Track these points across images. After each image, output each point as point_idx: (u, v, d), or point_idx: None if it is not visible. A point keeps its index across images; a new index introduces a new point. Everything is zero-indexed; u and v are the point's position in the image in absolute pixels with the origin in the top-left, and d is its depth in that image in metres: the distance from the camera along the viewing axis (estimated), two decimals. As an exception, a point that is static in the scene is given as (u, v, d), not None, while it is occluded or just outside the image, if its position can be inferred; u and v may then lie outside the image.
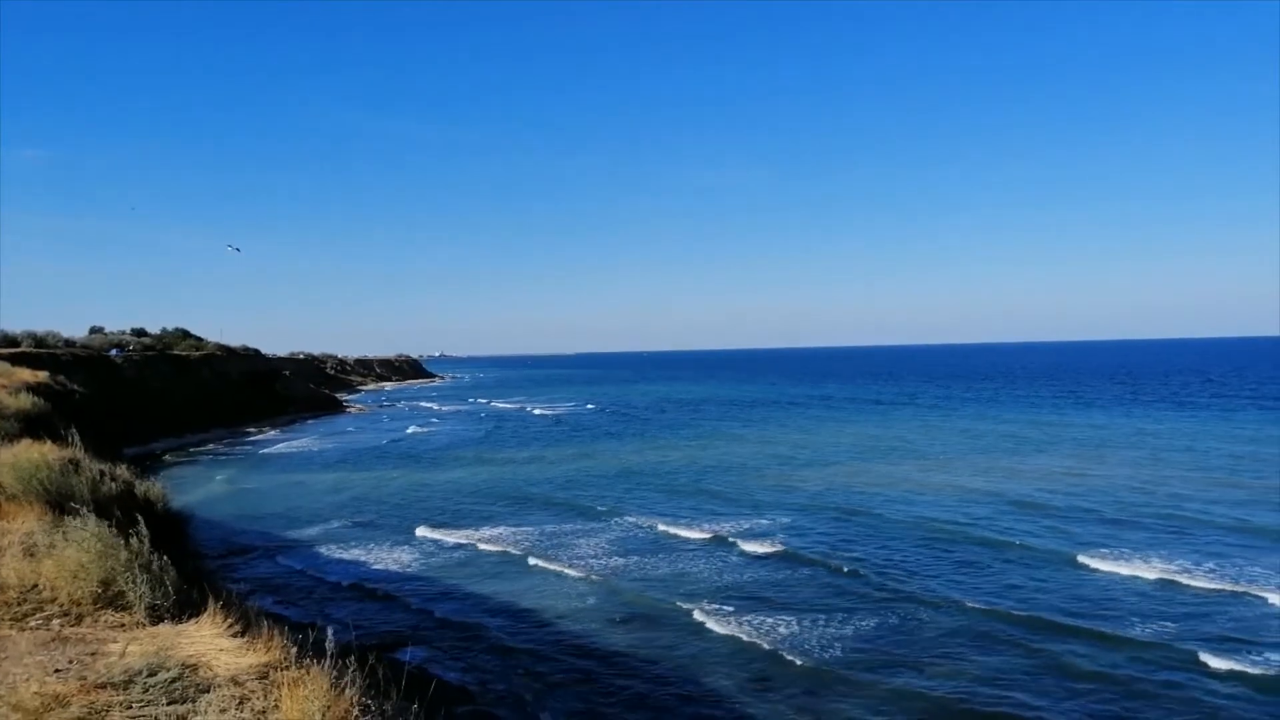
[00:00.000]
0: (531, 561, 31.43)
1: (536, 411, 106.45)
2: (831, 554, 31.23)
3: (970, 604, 25.21)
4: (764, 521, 37.05)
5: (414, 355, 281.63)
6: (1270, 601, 24.49)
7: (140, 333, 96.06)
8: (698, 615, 24.71)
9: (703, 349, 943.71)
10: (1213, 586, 26.16)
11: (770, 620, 24.18)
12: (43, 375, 36.05)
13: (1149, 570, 27.86)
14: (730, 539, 33.90)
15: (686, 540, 34.51)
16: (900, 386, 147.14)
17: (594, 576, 29.23)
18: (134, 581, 6.97)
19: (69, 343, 75.66)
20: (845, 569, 29.20)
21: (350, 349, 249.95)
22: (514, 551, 33.19)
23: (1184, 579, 26.88)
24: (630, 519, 38.45)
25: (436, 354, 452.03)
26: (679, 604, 25.85)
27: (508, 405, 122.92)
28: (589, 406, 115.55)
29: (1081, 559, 29.35)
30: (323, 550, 34.71)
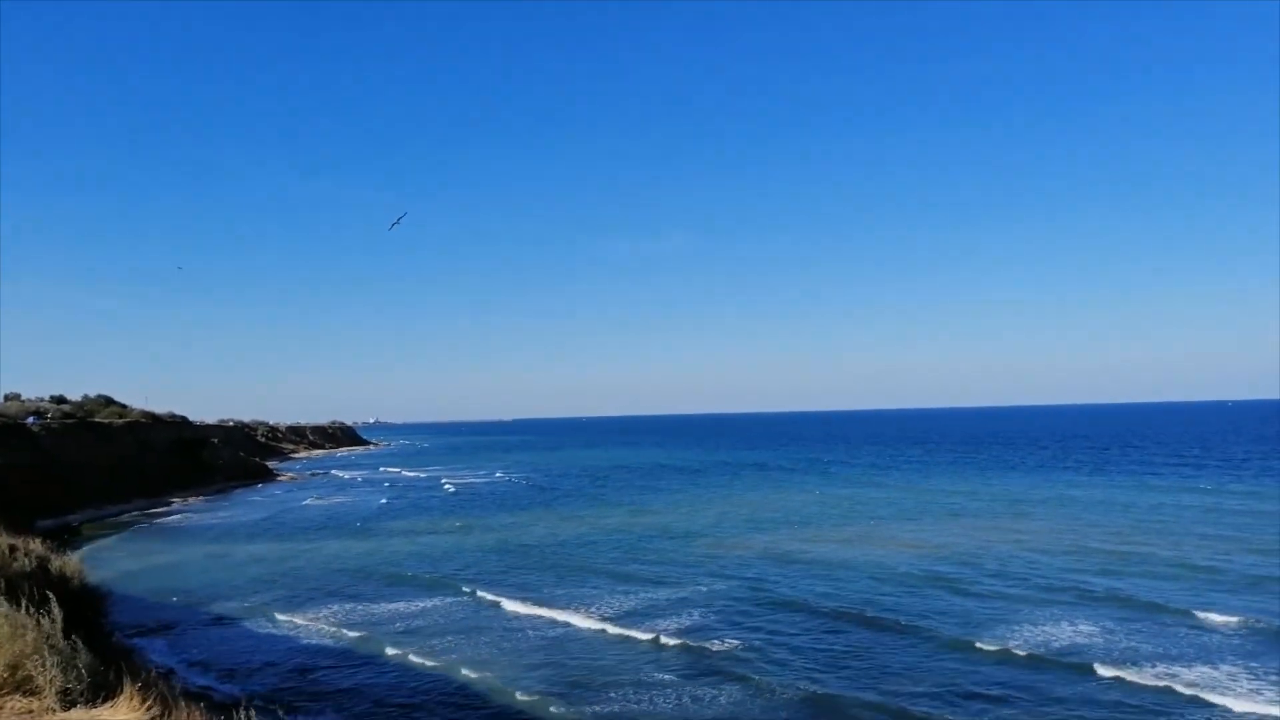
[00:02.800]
0: (390, 650, 29.04)
1: (445, 483, 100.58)
2: (716, 635, 29.46)
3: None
4: (649, 598, 35.37)
5: (349, 422, 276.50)
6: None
7: (60, 399, 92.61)
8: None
9: (651, 413, 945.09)
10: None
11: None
12: (-48, 444, 34.35)
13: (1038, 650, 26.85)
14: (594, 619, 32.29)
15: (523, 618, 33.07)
16: (809, 451, 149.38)
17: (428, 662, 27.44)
18: (44, 665, 6.52)
19: (-18, 410, 72.47)
20: (719, 649, 27.83)
21: (284, 416, 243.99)
22: (374, 636, 31.05)
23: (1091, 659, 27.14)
24: (481, 594, 36.98)
25: (372, 420, 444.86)
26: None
27: (418, 474, 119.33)
28: (499, 475, 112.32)
29: (977, 641, 27.65)
30: (249, 624, 33.47)
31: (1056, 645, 27.06)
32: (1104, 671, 24.17)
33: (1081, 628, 28.92)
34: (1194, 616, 29.73)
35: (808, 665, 25.95)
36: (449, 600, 36.47)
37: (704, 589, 36.87)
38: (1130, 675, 23.78)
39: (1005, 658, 25.96)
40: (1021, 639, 27.77)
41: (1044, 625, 29.40)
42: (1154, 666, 24.57)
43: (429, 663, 27.29)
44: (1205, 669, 24.24)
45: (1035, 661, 25.52)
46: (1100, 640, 27.43)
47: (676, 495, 79.09)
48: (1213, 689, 22.58)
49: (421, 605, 35.63)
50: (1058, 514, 57.77)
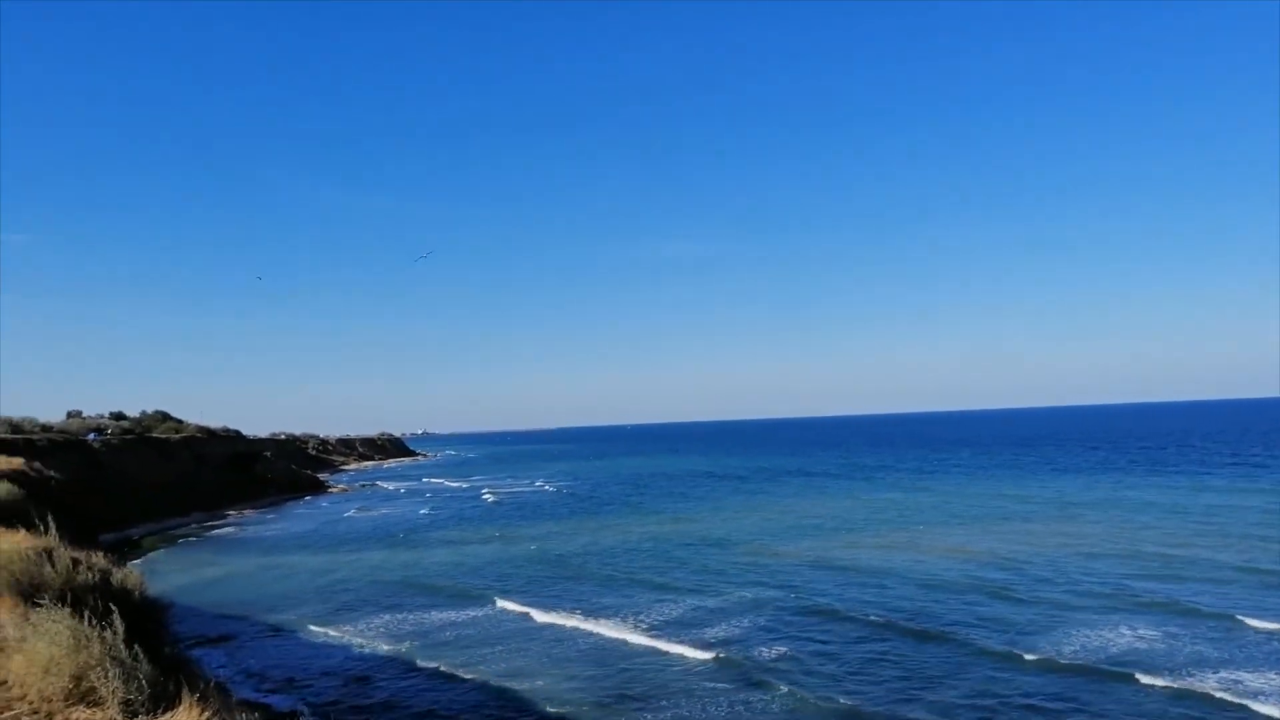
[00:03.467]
0: (437, 662, 29.38)
1: (486, 493, 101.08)
2: (760, 644, 29.41)
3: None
4: (691, 607, 35.16)
5: (397, 433, 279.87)
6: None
7: (119, 416, 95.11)
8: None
9: (695, 420, 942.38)
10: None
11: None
12: (18, 462, 35.58)
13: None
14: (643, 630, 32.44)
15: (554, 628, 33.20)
16: (853, 455, 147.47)
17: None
18: (107, 676, 6.78)
19: (46, 428, 74.69)
20: (763, 659, 28.10)
21: (333, 428, 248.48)
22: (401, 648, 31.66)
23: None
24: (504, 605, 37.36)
25: (419, 431, 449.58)
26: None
27: (460, 484, 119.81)
28: (540, 484, 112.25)
29: (1026, 651, 26.95)
30: (302, 635, 34.10)
31: (1108, 654, 26.50)
32: (1156, 681, 23.60)
33: (1136, 635, 28.30)
34: (1253, 624, 28.88)
35: (852, 675, 25.73)
36: (491, 611, 36.79)
37: (748, 596, 36.78)
38: (1185, 685, 23.23)
39: (1054, 667, 25.44)
40: (1072, 647, 27.27)
41: (1096, 632, 28.82)
42: (1213, 674, 23.97)
43: (475, 674, 27.56)
44: (1272, 676, 23.57)
45: (1084, 671, 24.98)
46: (1155, 648, 26.80)
47: (719, 502, 78.82)
48: (1275, 700, 21.94)
49: (466, 615, 36.05)
50: (1111, 517, 56.50)
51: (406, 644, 31.76)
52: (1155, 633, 28.39)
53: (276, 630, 35.21)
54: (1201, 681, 23.41)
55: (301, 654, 31.43)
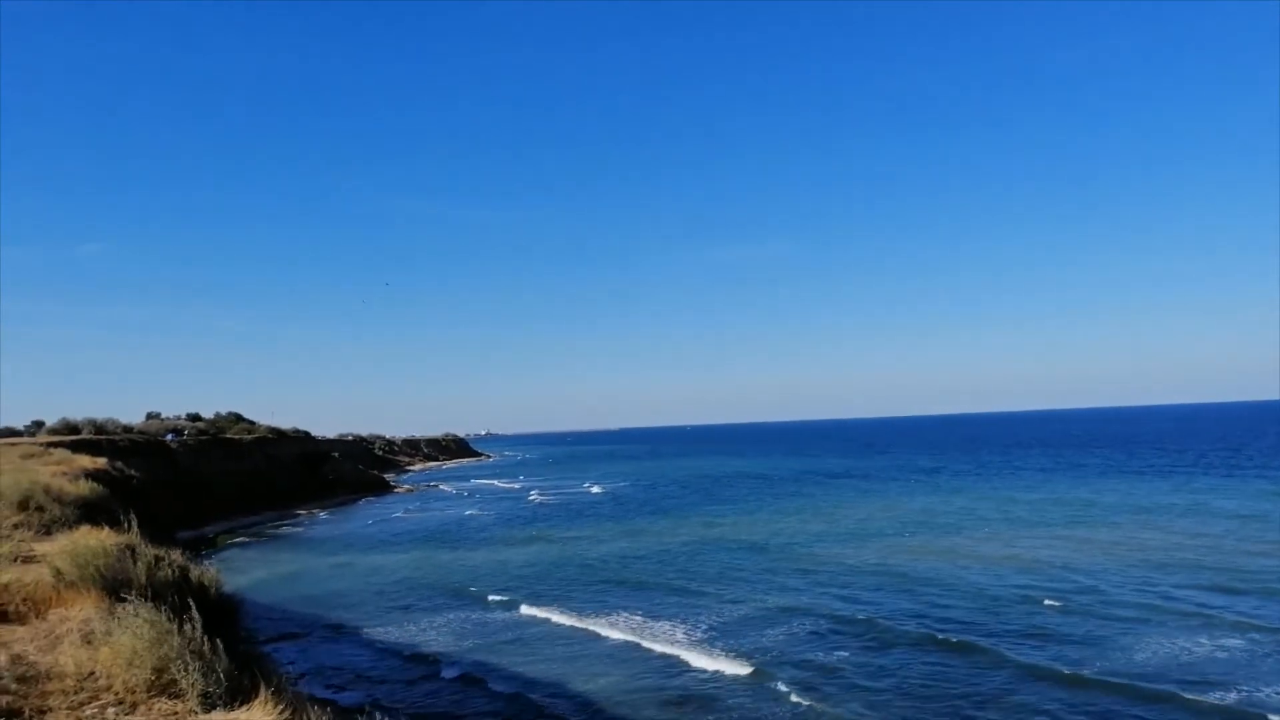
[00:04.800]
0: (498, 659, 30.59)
1: (534, 494, 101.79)
2: (807, 655, 29.61)
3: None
4: (733, 615, 34.77)
5: (461, 434, 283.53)
6: None
7: (195, 417, 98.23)
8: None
9: (756, 421, 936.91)
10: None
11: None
12: (101, 461, 36.93)
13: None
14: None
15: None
16: (916, 457, 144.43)
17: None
18: (187, 669, 7.00)
19: (127, 429, 77.63)
20: (811, 669, 27.94)
21: (399, 429, 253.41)
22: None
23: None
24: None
25: (483, 432, 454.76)
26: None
27: (514, 485, 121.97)
28: (587, 486, 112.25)
29: (1085, 670, 26.77)
30: (369, 632, 34.81)
31: (1174, 673, 25.51)
32: (1222, 700, 22.66)
33: (1208, 652, 27.26)
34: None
35: (903, 696, 25.22)
36: (518, 615, 36.86)
37: (787, 604, 36.40)
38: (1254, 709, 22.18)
39: (1115, 689, 24.22)
40: (1137, 664, 26.40)
41: (1167, 647, 27.84)
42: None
43: (534, 674, 27.88)
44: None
45: (1144, 692, 23.95)
46: (1225, 666, 25.78)
47: (773, 506, 78.04)
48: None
49: (525, 615, 36.52)
50: (1187, 524, 54.41)
51: (471, 642, 32.31)
52: (1227, 651, 27.31)
53: (343, 628, 36.04)
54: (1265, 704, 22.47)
55: (368, 651, 32.16)
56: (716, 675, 27.13)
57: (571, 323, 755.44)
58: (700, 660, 28.54)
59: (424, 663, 30.08)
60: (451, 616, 37.14)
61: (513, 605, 38.73)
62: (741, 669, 27.25)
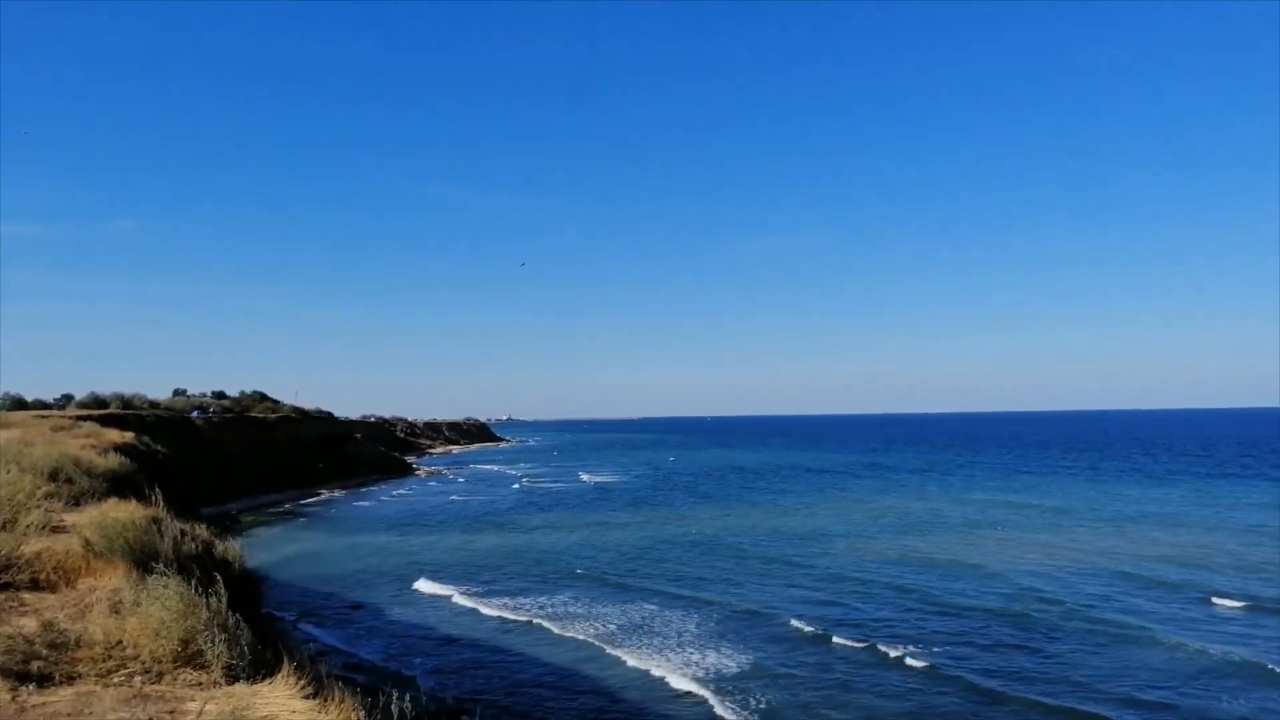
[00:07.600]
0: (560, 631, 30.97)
1: (544, 483, 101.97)
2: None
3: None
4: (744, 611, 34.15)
5: (482, 418, 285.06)
6: None
7: (220, 395, 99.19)
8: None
9: (777, 414, 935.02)
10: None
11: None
12: (129, 436, 37.35)
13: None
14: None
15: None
16: (955, 454, 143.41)
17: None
18: (212, 641, 7.12)
19: (154, 405, 78.52)
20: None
21: (421, 411, 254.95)
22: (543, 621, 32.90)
23: None
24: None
25: (504, 417, 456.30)
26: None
27: (538, 469, 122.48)
28: (605, 475, 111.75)
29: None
30: (386, 611, 35.23)
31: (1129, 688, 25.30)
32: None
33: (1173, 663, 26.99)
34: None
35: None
36: (581, 591, 37.25)
37: (832, 596, 36.45)
38: None
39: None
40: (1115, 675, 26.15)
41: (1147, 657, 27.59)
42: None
43: (557, 656, 28.12)
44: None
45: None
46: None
47: (804, 497, 77.97)
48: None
49: (557, 598, 36.74)
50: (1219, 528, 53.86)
51: (494, 617, 33.16)
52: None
53: (362, 606, 36.48)
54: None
55: (389, 629, 32.60)
56: (642, 672, 26.64)
57: (594, 311, 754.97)
58: (617, 652, 28.40)
59: (442, 643, 30.44)
60: (477, 594, 37.53)
61: (539, 583, 38.99)
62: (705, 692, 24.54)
